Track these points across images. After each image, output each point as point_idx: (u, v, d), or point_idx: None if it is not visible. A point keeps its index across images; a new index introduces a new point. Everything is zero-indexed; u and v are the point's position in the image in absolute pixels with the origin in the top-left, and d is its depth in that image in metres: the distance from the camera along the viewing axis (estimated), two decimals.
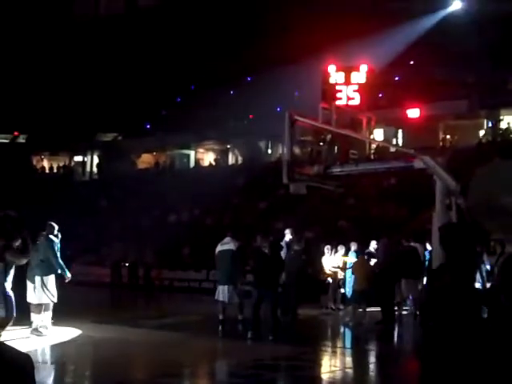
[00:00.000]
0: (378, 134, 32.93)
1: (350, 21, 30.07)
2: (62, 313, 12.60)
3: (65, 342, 11.71)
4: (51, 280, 12.24)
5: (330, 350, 12.71)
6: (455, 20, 31.82)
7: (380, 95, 35.26)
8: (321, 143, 13.63)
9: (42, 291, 12.05)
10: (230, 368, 10.75)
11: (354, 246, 16.14)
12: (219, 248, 14.05)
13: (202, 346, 12.02)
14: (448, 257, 4.93)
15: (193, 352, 11.52)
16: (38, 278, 12.07)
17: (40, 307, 12.06)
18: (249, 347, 12.18)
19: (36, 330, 11.99)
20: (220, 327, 13.48)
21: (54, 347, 11.37)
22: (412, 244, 15.76)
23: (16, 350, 2.35)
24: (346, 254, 16.67)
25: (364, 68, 33.02)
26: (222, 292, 13.64)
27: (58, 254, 12.31)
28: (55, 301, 12.22)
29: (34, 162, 46.64)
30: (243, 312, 13.90)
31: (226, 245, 13.94)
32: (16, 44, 40.37)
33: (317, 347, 12.50)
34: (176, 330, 13.44)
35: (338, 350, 12.78)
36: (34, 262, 12.02)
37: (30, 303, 12.06)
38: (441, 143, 33.42)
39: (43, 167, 46.12)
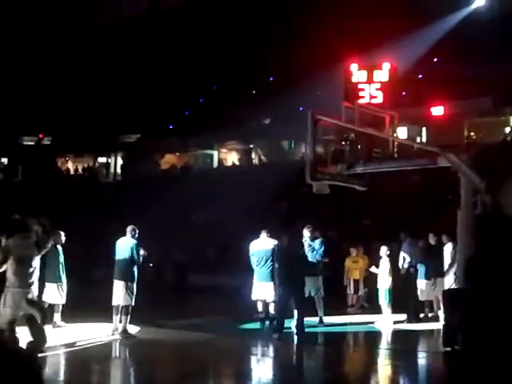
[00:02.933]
0: (402, 132, 32.69)
1: (372, 19, 29.93)
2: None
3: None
4: (134, 283, 12.47)
5: (356, 349, 12.64)
6: (479, 17, 31.52)
7: (404, 93, 35.04)
8: (343, 142, 13.58)
9: (127, 294, 12.31)
10: (254, 368, 10.77)
11: (384, 251, 15.32)
12: (256, 247, 13.98)
13: (227, 346, 12.08)
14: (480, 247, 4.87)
15: (218, 351, 11.66)
16: (122, 283, 12.32)
17: (127, 309, 12.35)
18: (272, 347, 12.17)
19: (125, 331, 12.28)
20: (261, 325, 13.46)
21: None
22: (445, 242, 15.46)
23: (24, 350, 2.34)
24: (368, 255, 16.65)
25: (386, 66, 32.83)
26: (261, 290, 13.59)
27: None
28: (133, 304, 12.46)
29: (59, 164, 47.03)
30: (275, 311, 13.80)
31: (263, 243, 13.86)
32: (39, 47, 40.74)
33: (341, 347, 12.46)
34: (203, 330, 13.47)
35: (365, 350, 12.72)
36: (119, 266, 12.42)
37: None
38: (466, 141, 33.13)
39: (68, 169, 46.51)
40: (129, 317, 12.34)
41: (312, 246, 14.08)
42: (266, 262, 13.59)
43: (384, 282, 14.58)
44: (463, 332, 4.85)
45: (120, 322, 12.33)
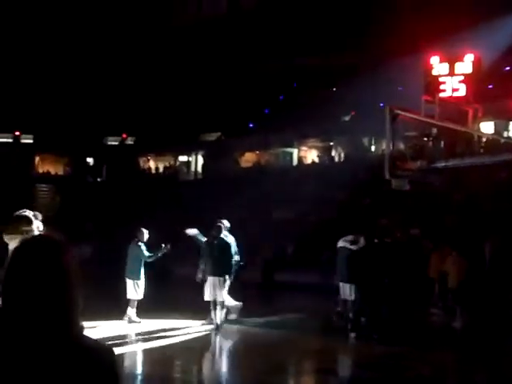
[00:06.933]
0: (489, 127, 31.62)
1: (457, 10, 29.14)
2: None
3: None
4: (228, 280, 12.84)
5: (431, 349, 12.28)
6: None
7: (490, 86, 33.87)
8: (425, 138, 13.25)
9: (221, 290, 12.65)
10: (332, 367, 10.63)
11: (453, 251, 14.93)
12: (340, 244, 13.73)
13: (306, 344, 12.03)
14: None
15: (299, 349, 11.71)
16: (218, 279, 12.63)
17: (222, 304, 12.76)
18: (350, 346, 12.00)
19: (217, 326, 12.70)
20: (335, 318, 13.36)
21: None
22: None
23: (98, 343, 2.24)
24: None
25: (469, 57, 31.71)
26: (343, 289, 13.39)
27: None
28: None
29: (141, 163, 47.98)
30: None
31: (348, 242, 13.61)
32: (124, 49, 41.69)
33: (418, 347, 12.16)
34: (284, 328, 13.57)
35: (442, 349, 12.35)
36: (216, 263, 12.76)
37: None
38: None
39: (149, 168, 47.39)
40: (224, 310, 12.77)
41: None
42: (345, 261, 13.33)
43: (454, 281, 14.08)
44: None
45: (215, 315, 12.74)
